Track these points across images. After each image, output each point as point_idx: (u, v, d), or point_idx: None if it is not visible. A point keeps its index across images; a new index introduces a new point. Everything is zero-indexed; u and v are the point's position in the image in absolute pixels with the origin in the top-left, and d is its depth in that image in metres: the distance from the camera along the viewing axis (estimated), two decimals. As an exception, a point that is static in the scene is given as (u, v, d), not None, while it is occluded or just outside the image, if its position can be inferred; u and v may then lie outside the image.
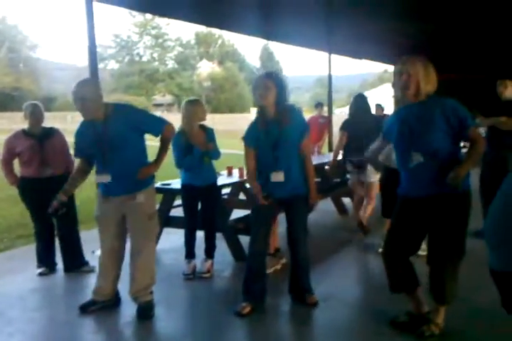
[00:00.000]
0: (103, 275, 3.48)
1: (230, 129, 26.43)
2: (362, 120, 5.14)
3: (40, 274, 4.26)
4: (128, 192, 3.33)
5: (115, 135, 3.22)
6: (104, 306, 3.47)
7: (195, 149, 4.09)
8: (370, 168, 4.79)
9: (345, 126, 5.27)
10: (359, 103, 5.24)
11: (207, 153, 4.12)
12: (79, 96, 3.17)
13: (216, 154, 4.22)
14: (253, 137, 3.35)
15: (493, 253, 1.98)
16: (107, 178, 3.31)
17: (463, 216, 2.81)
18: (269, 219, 3.46)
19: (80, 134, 3.38)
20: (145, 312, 3.36)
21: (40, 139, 4.20)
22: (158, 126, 3.36)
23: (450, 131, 2.74)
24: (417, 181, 2.85)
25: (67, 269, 4.32)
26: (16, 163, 4.27)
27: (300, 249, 3.44)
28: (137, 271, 3.38)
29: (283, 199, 3.36)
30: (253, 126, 3.38)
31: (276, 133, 3.26)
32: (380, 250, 3.84)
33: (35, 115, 4.20)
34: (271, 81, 3.23)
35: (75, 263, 4.34)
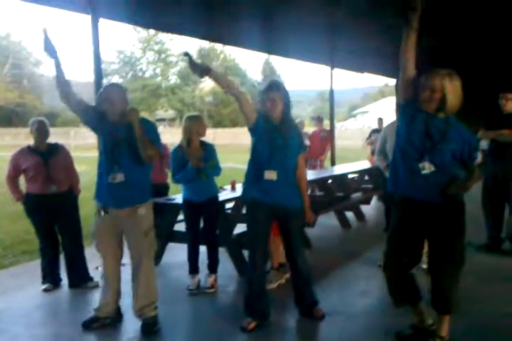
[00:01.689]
0: (106, 293, 3.48)
1: (233, 143, 26.47)
2: None
3: (45, 290, 4.26)
4: (129, 204, 3.30)
5: (134, 140, 3.21)
6: (107, 323, 3.47)
7: (189, 165, 4.07)
8: None
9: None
10: None
11: (203, 169, 4.08)
12: (104, 97, 3.26)
13: (214, 171, 4.19)
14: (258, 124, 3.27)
15: None
16: (120, 177, 3.25)
17: (461, 223, 2.88)
18: (266, 232, 3.40)
19: (96, 119, 3.33)
20: (149, 328, 3.36)
21: (45, 156, 4.22)
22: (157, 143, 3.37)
23: (457, 156, 2.82)
24: (424, 186, 2.83)
25: (72, 285, 4.32)
26: (22, 179, 4.29)
27: (298, 260, 3.44)
28: (139, 287, 3.38)
29: (276, 208, 3.31)
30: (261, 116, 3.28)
31: (279, 138, 3.26)
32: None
33: (40, 131, 4.22)
34: (277, 93, 3.24)
35: (80, 278, 4.33)
